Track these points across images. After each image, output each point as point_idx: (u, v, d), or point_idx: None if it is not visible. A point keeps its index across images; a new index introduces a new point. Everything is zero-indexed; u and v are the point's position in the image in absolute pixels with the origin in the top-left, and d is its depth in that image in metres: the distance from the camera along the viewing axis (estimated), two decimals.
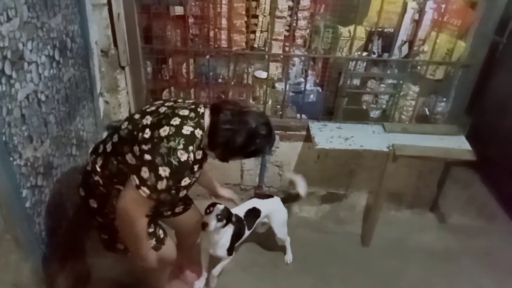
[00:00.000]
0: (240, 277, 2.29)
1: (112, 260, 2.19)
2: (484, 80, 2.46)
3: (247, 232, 2.19)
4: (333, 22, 2.35)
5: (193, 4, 2.28)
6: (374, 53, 2.38)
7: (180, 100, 1.55)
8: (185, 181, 1.48)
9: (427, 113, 2.58)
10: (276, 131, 2.49)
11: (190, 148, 1.36)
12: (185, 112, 1.44)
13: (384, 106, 2.58)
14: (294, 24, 2.31)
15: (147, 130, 1.39)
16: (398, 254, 2.51)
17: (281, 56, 2.43)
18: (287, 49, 2.38)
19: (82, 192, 1.61)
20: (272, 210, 2.28)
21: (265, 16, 2.30)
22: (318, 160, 2.63)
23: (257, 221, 2.23)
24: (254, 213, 2.21)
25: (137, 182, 1.35)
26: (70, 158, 1.97)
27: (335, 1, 2.30)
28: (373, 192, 2.67)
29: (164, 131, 1.36)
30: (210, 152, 1.51)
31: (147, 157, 1.35)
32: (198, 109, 1.48)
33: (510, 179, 2.56)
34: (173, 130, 1.37)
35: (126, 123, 1.51)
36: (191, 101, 1.55)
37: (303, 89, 2.46)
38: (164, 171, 1.33)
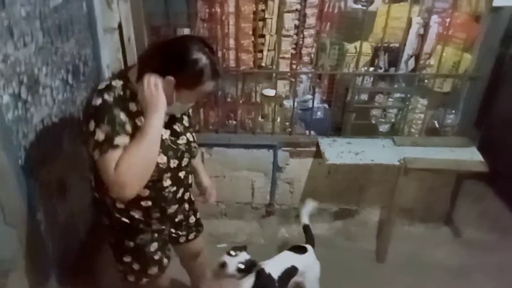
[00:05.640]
0: None
1: (121, 283, 2.18)
2: (493, 92, 2.46)
3: None
4: (339, 39, 2.38)
5: (200, 26, 2.33)
6: (380, 68, 2.40)
7: None
8: None
9: (437, 125, 2.57)
10: (285, 148, 2.56)
11: (105, 95, 1.22)
12: None
13: (393, 120, 2.58)
14: (301, 42, 2.34)
15: None
16: (414, 270, 2.46)
17: (289, 74, 2.45)
18: (294, 66, 2.40)
19: (106, 220, 1.50)
20: (308, 265, 1.96)
21: (272, 35, 2.33)
22: (328, 175, 2.62)
23: (291, 281, 1.90)
24: (290, 271, 1.88)
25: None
26: (82, 180, 1.99)
27: (340, 19, 2.34)
28: (385, 207, 2.64)
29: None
30: None
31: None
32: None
33: None
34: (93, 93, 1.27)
35: None
36: None
37: (311, 105, 2.48)
38: (90, 125, 1.20)
